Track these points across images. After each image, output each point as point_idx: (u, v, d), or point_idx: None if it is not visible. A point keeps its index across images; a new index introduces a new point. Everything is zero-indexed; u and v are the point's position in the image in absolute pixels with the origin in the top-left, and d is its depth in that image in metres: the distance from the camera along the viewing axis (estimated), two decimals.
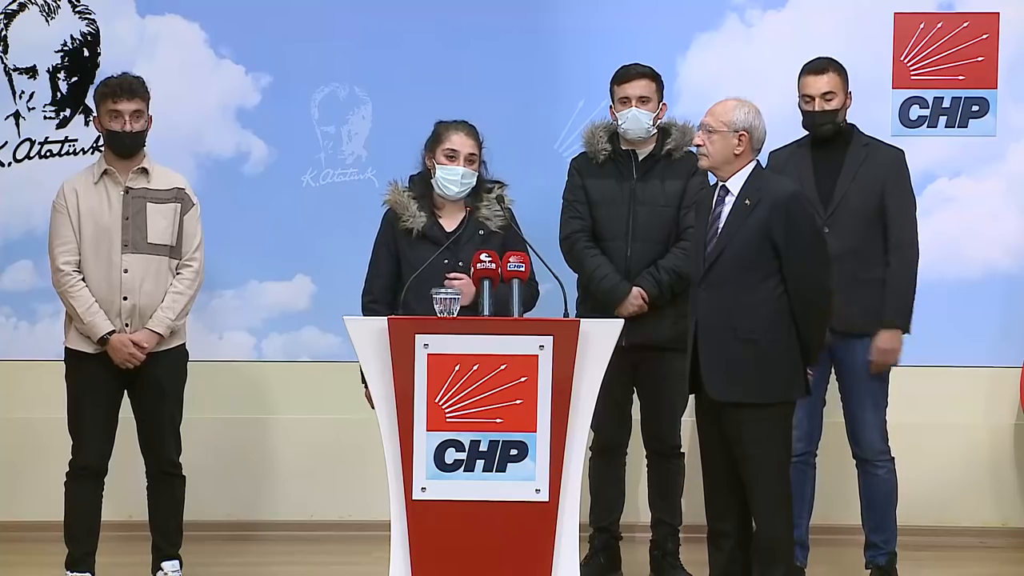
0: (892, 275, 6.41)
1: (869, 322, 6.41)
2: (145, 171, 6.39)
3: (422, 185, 6.10)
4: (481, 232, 6.01)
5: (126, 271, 6.29)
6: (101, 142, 6.79)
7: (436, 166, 6.03)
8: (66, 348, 6.43)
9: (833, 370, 6.51)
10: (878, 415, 6.46)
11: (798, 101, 6.50)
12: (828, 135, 6.45)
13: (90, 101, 7.78)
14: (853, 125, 6.56)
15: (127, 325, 6.31)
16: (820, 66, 6.47)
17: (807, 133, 6.54)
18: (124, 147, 6.34)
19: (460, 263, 5.89)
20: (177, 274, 6.40)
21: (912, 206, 6.50)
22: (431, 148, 6.08)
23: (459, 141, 6.04)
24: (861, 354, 6.42)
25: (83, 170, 6.49)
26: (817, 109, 6.43)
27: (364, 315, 5.96)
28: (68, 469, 6.47)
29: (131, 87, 6.34)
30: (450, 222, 6.06)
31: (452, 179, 6.01)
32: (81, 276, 6.31)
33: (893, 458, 6.49)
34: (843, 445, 6.56)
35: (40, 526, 7.58)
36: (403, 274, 5.97)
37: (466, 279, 5.81)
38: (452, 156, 6.02)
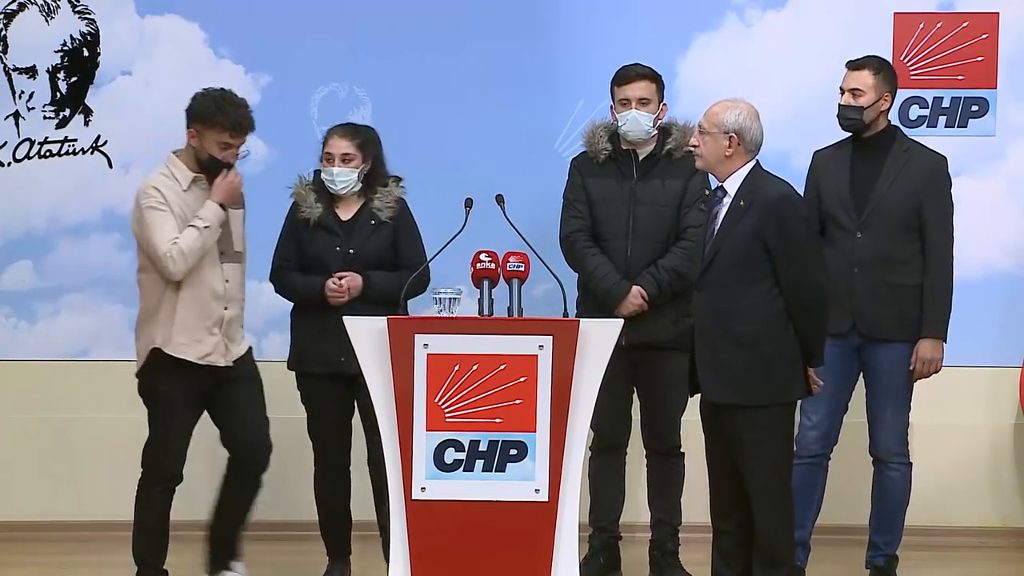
0: (932, 286, 6.37)
1: (897, 327, 6.38)
2: None
3: (321, 180, 6.54)
4: (373, 222, 6.45)
5: (227, 280, 6.16)
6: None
7: (322, 168, 6.50)
8: (161, 352, 6.11)
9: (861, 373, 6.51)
10: (898, 418, 6.43)
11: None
12: (852, 130, 6.42)
13: (90, 101, 7.83)
14: (897, 127, 6.53)
15: (222, 335, 6.15)
16: (858, 63, 6.43)
17: (850, 135, 6.49)
18: (219, 173, 6.17)
19: (351, 250, 6.40)
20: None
21: (950, 215, 6.45)
22: (321, 151, 6.53)
23: (333, 144, 6.47)
24: (887, 358, 6.39)
25: (160, 175, 6.20)
26: (844, 103, 6.41)
27: (278, 276, 6.55)
28: (149, 476, 6.28)
29: (251, 124, 6.18)
30: (346, 212, 6.49)
31: (329, 179, 6.47)
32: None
33: (910, 463, 6.47)
34: (857, 446, 6.55)
35: (39, 526, 7.61)
36: (301, 258, 6.49)
37: (351, 275, 6.33)
38: (329, 158, 6.47)
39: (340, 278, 6.33)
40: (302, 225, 6.47)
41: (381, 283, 6.36)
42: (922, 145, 6.56)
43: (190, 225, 6.01)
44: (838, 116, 6.43)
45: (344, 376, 6.29)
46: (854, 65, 6.44)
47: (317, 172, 6.56)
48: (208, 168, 6.16)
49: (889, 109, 6.46)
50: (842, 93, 6.42)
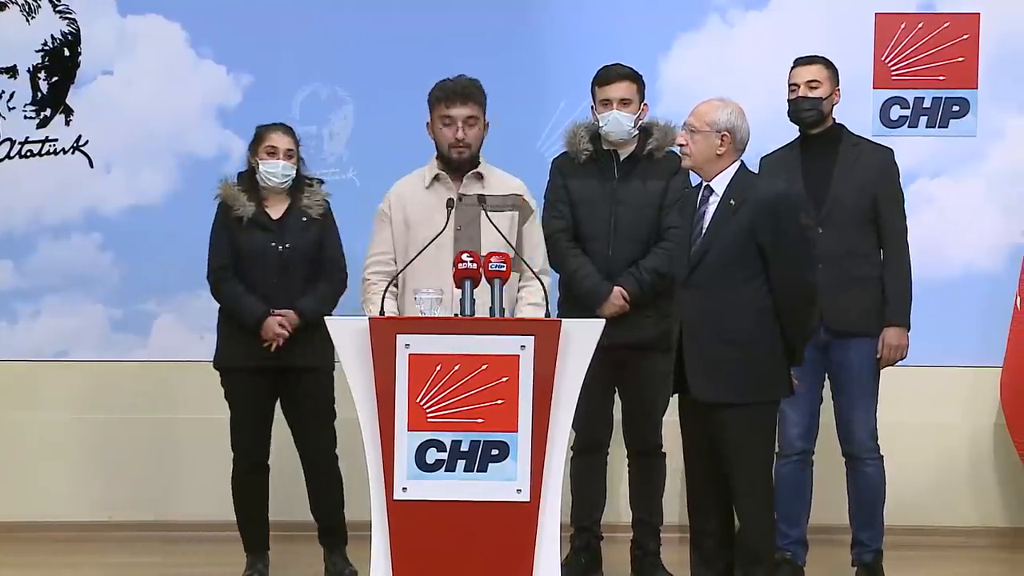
0: (892, 276, 6.45)
1: (863, 321, 6.44)
2: (480, 176, 6.17)
3: (249, 180, 6.59)
4: (304, 219, 6.56)
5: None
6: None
7: (259, 162, 6.52)
8: None
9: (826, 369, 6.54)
10: (869, 414, 6.48)
11: (787, 96, 6.52)
12: (811, 122, 6.46)
13: (71, 101, 7.83)
14: (842, 125, 6.57)
15: None
16: (809, 58, 6.54)
17: (797, 136, 6.55)
18: (454, 159, 6.10)
19: (287, 244, 6.50)
20: (525, 286, 6.11)
21: (903, 206, 6.53)
22: (254, 148, 6.58)
23: (277, 139, 6.54)
24: (855, 353, 6.44)
25: (415, 173, 6.22)
26: (801, 95, 6.45)
27: (217, 285, 6.56)
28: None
29: (465, 90, 6.10)
30: (276, 211, 6.55)
31: (274, 172, 6.51)
32: (387, 285, 5.80)
33: (882, 456, 6.51)
34: (831, 445, 6.57)
35: (19, 527, 7.59)
36: (235, 256, 6.54)
37: (289, 314, 6.42)
38: (272, 152, 6.52)
39: (281, 325, 6.41)
40: (234, 224, 6.52)
41: (311, 313, 6.40)
42: (868, 140, 6.66)
43: (391, 298, 5.88)
44: (792, 111, 6.49)
45: (269, 371, 6.47)
46: (806, 60, 6.54)
47: (242, 173, 6.63)
48: (443, 159, 6.14)
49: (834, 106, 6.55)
50: (793, 89, 6.47)
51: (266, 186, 6.53)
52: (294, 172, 6.55)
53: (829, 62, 6.53)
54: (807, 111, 6.45)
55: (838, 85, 6.52)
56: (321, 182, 6.71)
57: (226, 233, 6.54)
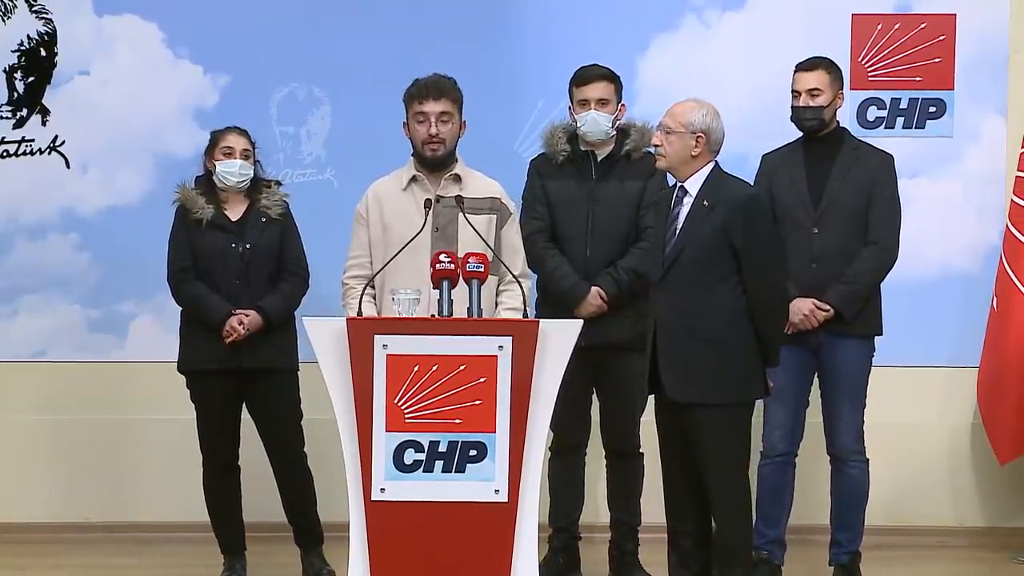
0: (858, 262, 6.41)
1: (855, 322, 6.43)
2: (458, 178, 6.17)
3: (207, 184, 6.60)
4: (263, 219, 6.58)
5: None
6: None
7: (216, 164, 6.53)
8: None
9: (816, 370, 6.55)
10: (855, 416, 6.48)
11: (791, 102, 6.51)
12: (813, 129, 6.46)
13: (47, 101, 7.80)
14: (845, 128, 6.58)
15: None
16: (811, 64, 6.51)
17: (800, 135, 6.54)
18: (428, 157, 6.11)
19: (248, 245, 6.52)
20: (505, 291, 6.14)
21: (897, 210, 6.51)
22: (210, 152, 6.59)
23: (232, 140, 6.57)
24: (843, 354, 6.44)
25: (392, 174, 6.24)
26: (802, 104, 6.45)
27: (179, 287, 6.56)
28: None
29: (438, 85, 6.12)
30: (235, 212, 6.59)
31: (231, 171, 6.52)
32: (364, 288, 5.84)
33: (867, 459, 6.51)
34: (815, 446, 6.58)
35: (1, 528, 7.57)
36: (196, 259, 6.54)
37: (252, 315, 6.44)
38: (229, 153, 6.54)
39: (240, 323, 6.43)
40: (193, 226, 6.52)
41: (275, 311, 6.50)
42: (870, 144, 6.64)
43: (370, 300, 6.00)
44: (795, 118, 6.48)
45: (233, 373, 6.49)
46: (808, 66, 6.50)
47: (199, 177, 6.62)
48: (418, 155, 6.14)
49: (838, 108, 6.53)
50: (795, 96, 6.46)
51: (224, 187, 6.54)
52: (251, 172, 6.57)
53: (831, 65, 6.50)
54: (808, 120, 6.45)
55: (841, 88, 6.51)
56: (279, 183, 6.73)
57: (186, 236, 6.54)
